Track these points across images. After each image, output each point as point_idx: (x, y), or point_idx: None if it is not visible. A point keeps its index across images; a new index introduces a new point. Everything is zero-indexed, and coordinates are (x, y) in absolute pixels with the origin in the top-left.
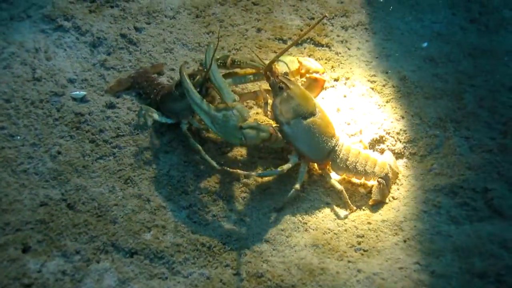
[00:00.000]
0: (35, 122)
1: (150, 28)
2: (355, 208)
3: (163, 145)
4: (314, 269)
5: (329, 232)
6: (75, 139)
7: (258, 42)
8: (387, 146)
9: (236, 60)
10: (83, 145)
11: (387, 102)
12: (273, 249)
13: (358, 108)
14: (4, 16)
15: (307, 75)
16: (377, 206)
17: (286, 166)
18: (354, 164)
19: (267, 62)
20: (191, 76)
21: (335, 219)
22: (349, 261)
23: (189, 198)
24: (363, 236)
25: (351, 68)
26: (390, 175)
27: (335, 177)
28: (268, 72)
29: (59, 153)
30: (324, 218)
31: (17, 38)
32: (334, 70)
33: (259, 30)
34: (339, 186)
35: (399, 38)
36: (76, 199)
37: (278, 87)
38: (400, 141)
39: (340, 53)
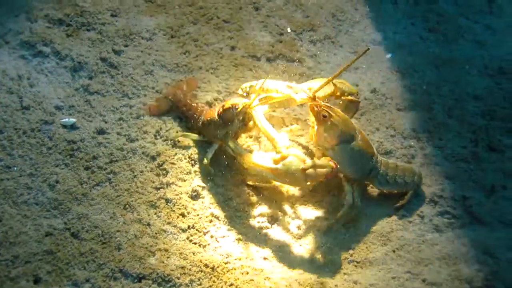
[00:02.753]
0: (29, 152)
1: (128, 50)
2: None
3: (155, 168)
4: (313, 284)
5: (322, 246)
6: (70, 167)
7: (234, 60)
8: None
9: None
10: (79, 173)
11: (361, 115)
12: (273, 266)
13: None
14: None
15: (342, 98)
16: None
17: (348, 196)
18: (394, 177)
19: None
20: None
21: (327, 233)
22: (344, 273)
23: (187, 220)
24: (354, 248)
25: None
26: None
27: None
28: (313, 101)
29: (57, 182)
30: (316, 233)
31: None
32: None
33: (233, 48)
34: (350, 201)
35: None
36: (79, 228)
37: (322, 116)
38: (378, 153)
39: (311, 68)
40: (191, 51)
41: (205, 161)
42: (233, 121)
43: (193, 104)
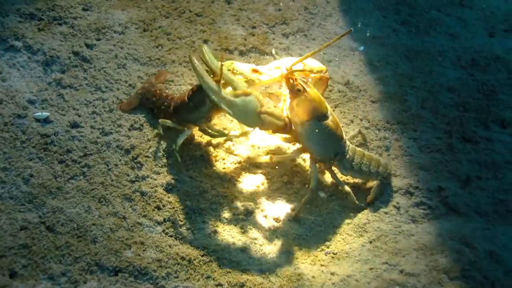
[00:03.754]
0: (3, 146)
1: (101, 44)
2: (363, 205)
3: (130, 161)
4: (291, 275)
5: (298, 238)
6: (44, 161)
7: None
8: None
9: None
10: (53, 167)
11: (335, 107)
12: (249, 258)
13: None
14: None
15: (311, 75)
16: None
17: (313, 181)
18: (359, 165)
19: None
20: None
21: (303, 225)
22: (321, 265)
23: (162, 213)
24: (331, 239)
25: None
26: (391, 173)
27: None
28: (289, 75)
29: (31, 175)
30: (292, 224)
31: None
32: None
33: (205, 41)
34: (347, 188)
35: (337, 43)
36: (54, 221)
37: (297, 89)
38: (353, 144)
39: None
40: (164, 44)
41: (174, 146)
42: (205, 103)
43: (163, 94)
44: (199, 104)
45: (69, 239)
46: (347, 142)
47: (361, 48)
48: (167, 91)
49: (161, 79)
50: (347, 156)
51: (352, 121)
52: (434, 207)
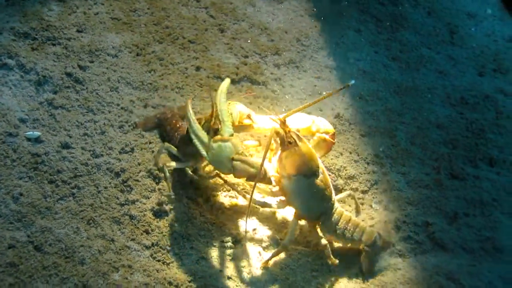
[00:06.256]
0: None
1: (94, 66)
2: (337, 261)
3: (120, 185)
4: None
5: (286, 268)
6: (34, 180)
7: (199, 80)
8: None
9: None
10: (43, 186)
11: None
12: (236, 286)
13: None
14: None
15: (317, 134)
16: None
17: (288, 236)
18: (342, 230)
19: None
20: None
21: (291, 255)
22: None
23: (151, 237)
24: (318, 270)
25: (287, 106)
26: (379, 243)
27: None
28: (281, 125)
29: (21, 194)
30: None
31: None
32: (272, 108)
33: (198, 68)
34: (324, 241)
35: (328, 76)
36: (42, 241)
37: (288, 142)
38: (341, 177)
39: (275, 91)
40: (157, 69)
41: (166, 163)
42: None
43: (177, 124)
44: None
45: (57, 260)
46: (336, 204)
47: (352, 81)
48: (182, 124)
49: (182, 112)
50: (332, 219)
51: (341, 154)
52: (421, 242)
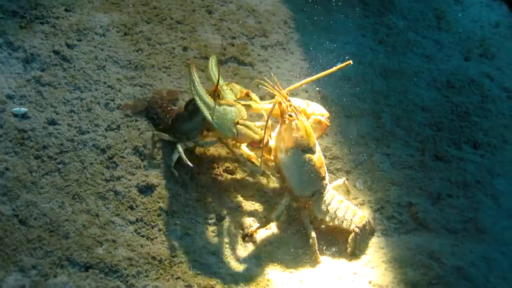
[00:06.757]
0: None
1: (81, 45)
2: (320, 260)
3: (105, 161)
4: (260, 281)
5: (269, 245)
6: (20, 155)
7: (186, 60)
8: None
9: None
10: (29, 161)
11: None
12: (220, 262)
13: None
14: None
15: (313, 116)
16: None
17: (277, 211)
18: (335, 209)
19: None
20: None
21: (273, 232)
22: (291, 272)
23: (135, 213)
24: (301, 247)
25: (273, 87)
26: (367, 228)
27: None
28: (283, 98)
29: (6, 169)
30: (263, 231)
31: None
32: (259, 88)
33: (185, 48)
34: (313, 234)
35: (315, 58)
36: (27, 215)
37: (289, 115)
38: (326, 157)
39: (262, 72)
40: (144, 49)
41: (171, 163)
42: (198, 113)
43: (168, 107)
44: (193, 114)
45: (41, 233)
46: (329, 186)
47: (338, 64)
48: (173, 107)
49: (171, 97)
50: (325, 198)
51: (326, 134)
52: (404, 222)
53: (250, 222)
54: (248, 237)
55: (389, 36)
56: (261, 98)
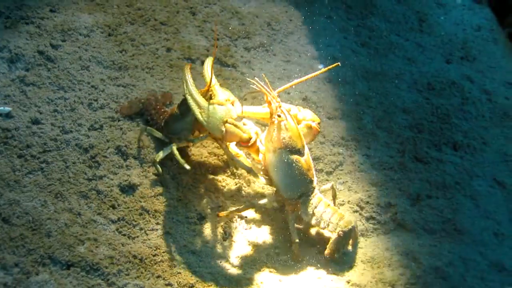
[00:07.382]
0: None
1: (66, 45)
2: (300, 259)
3: (88, 160)
4: (240, 279)
5: (249, 245)
6: (4, 154)
7: (169, 61)
8: None
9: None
10: (12, 160)
11: None
12: (200, 261)
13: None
14: None
15: (304, 122)
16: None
17: (266, 201)
18: (321, 212)
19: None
20: None
21: (254, 232)
22: (270, 271)
23: (117, 212)
24: (281, 247)
25: (264, 87)
26: (352, 234)
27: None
28: (273, 98)
29: None
30: (244, 231)
31: None
32: (241, 89)
33: (169, 49)
34: (296, 238)
35: (297, 60)
36: (10, 213)
37: (277, 115)
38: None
39: (245, 73)
40: (128, 50)
41: (156, 158)
42: (189, 112)
43: (161, 109)
44: (185, 114)
45: (24, 231)
46: (316, 189)
47: (321, 66)
48: (166, 109)
49: (165, 100)
50: (312, 201)
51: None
52: (384, 222)
53: (231, 223)
54: (228, 236)
55: (372, 38)
56: (244, 99)
